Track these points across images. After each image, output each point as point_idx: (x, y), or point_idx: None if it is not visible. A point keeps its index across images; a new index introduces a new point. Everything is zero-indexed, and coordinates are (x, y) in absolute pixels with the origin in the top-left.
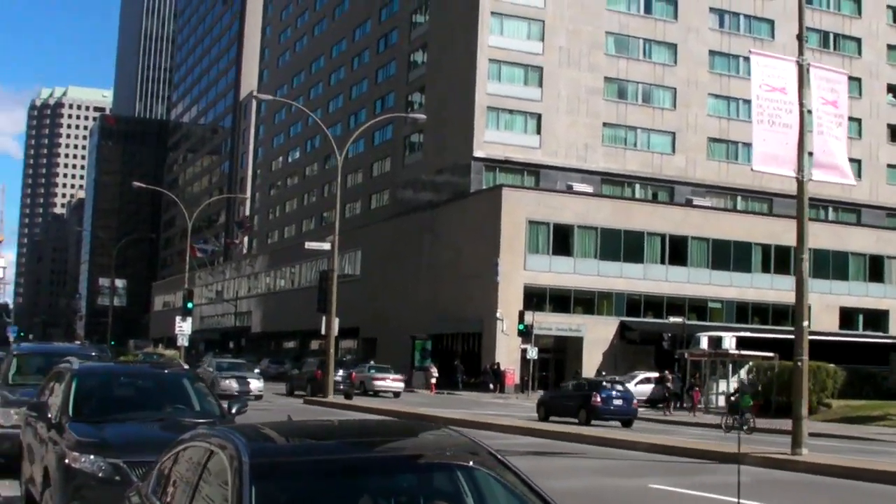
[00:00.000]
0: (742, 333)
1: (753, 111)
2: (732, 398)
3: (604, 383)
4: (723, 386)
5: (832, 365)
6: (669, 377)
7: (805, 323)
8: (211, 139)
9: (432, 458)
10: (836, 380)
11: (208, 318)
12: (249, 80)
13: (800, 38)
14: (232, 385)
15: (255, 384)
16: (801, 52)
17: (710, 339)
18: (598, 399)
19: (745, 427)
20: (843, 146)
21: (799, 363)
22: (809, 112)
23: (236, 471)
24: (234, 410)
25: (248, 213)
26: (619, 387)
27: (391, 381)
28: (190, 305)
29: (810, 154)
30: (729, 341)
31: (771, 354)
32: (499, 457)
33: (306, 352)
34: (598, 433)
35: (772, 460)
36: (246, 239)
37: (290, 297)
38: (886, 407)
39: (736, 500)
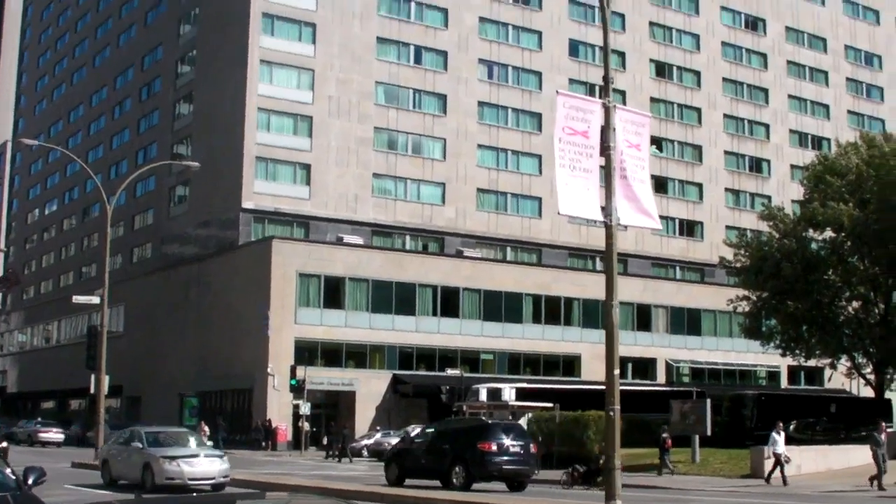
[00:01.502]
0: (521, 384)
1: (556, 155)
2: None
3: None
4: None
5: None
6: None
7: (616, 371)
8: None
9: None
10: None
11: None
12: (3, 129)
13: (605, 79)
14: None
15: None
16: (606, 94)
17: (489, 390)
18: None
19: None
20: (648, 189)
21: (611, 413)
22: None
23: None
24: (30, 481)
25: (1, 267)
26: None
27: (53, 434)
28: None
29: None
30: (508, 392)
31: (550, 405)
32: None
33: (66, 412)
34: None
35: None
36: (0, 295)
37: (49, 356)
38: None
39: None
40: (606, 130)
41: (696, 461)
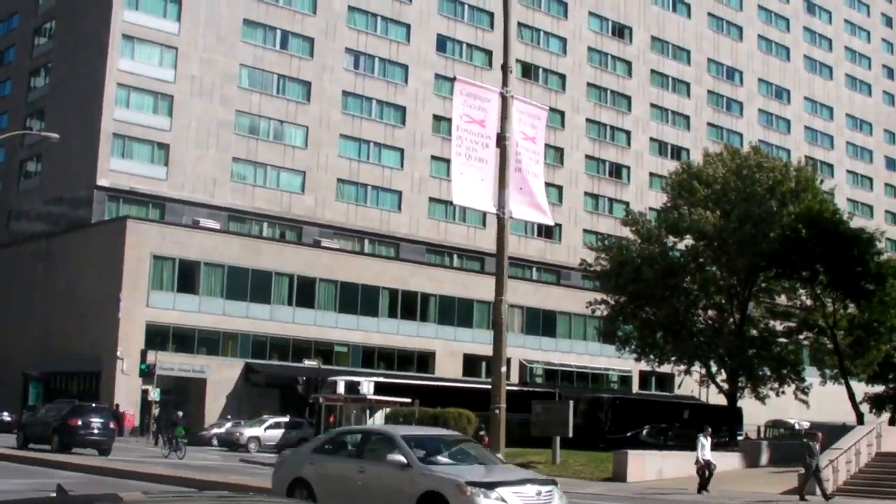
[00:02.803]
0: (379, 379)
1: (453, 143)
2: None
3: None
4: None
5: (471, 412)
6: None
7: (503, 369)
8: None
9: None
10: (473, 426)
11: None
12: None
13: (504, 68)
14: None
15: None
16: (504, 84)
17: (348, 383)
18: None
19: None
20: (541, 183)
21: (496, 411)
22: (506, 146)
23: None
24: None
25: None
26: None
27: None
28: None
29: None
30: (367, 386)
31: (408, 400)
32: None
33: None
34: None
35: None
36: None
37: None
38: (528, 454)
39: None
40: (502, 121)
41: (557, 462)
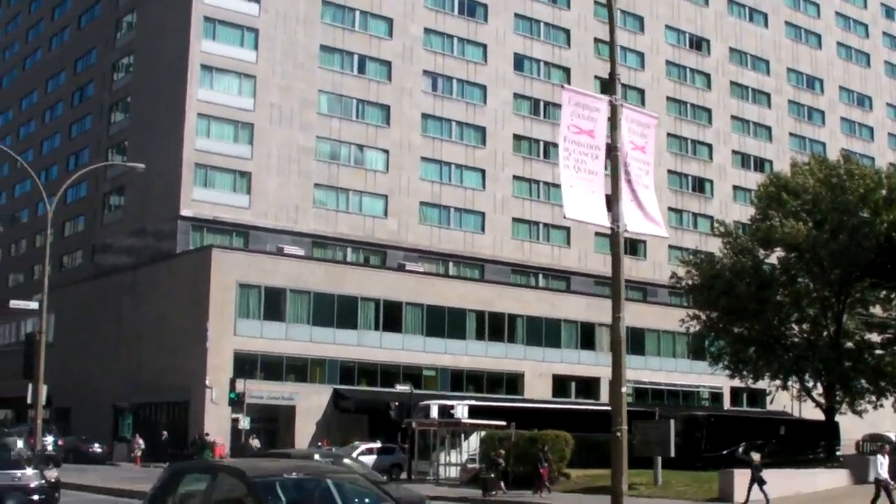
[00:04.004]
0: (472, 402)
1: (560, 155)
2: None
3: None
4: (455, 456)
5: (568, 433)
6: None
7: (623, 389)
8: None
9: None
10: (570, 449)
11: None
12: None
13: (612, 75)
14: None
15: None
16: (613, 91)
17: (441, 407)
18: None
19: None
20: (653, 195)
21: (618, 433)
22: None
23: None
24: None
25: None
26: None
27: None
28: None
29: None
30: (461, 410)
31: (503, 423)
32: None
33: None
34: None
35: None
36: None
37: None
38: (629, 475)
39: None
40: (613, 131)
41: (659, 483)
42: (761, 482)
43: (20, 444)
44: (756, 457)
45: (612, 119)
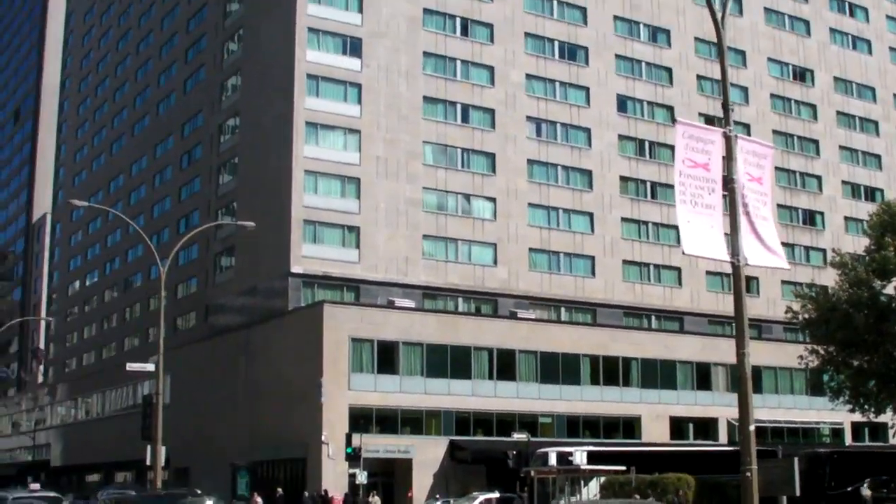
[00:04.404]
0: (591, 448)
1: (676, 190)
2: None
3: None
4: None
5: (689, 476)
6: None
7: (752, 427)
8: (1, 264)
9: None
10: (693, 492)
11: (3, 453)
12: (43, 202)
13: (724, 106)
14: None
15: None
16: (727, 122)
17: (559, 454)
18: None
19: None
20: (772, 227)
21: (748, 474)
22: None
23: None
24: None
25: (42, 340)
26: None
27: None
28: None
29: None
30: (579, 456)
31: (623, 468)
32: None
33: (111, 485)
34: None
35: None
36: (41, 367)
37: (93, 428)
38: None
39: None
40: (728, 162)
41: None
42: None
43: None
44: (866, 493)
45: (727, 150)
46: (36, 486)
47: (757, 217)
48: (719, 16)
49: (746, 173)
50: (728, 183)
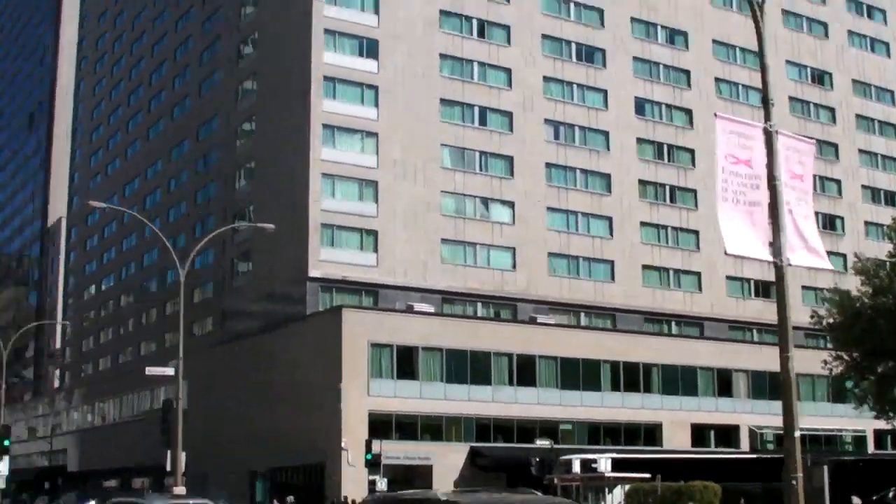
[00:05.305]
0: (615, 455)
1: (718, 187)
2: None
3: None
4: None
5: (716, 484)
6: None
7: (796, 434)
8: (16, 269)
9: None
10: (718, 499)
11: (20, 458)
12: (58, 206)
13: (765, 100)
14: None
15: None
16: (767, 118)
17: (583, 461)
18: None
19: None
20: (813, 226)
21: (794, 482)
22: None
23: None
24: None
25: (58, 344)
26: None
27: None
28: (7, 443)
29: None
30: (604, 463)
31: (647, 475)
32: None
33: (129, 491)
34: None
35: None
36: (57, 372)
37: (110, 433)
38: None
39: None
40: (770, 158)
41: None
42: None
43: None
44: (892, 502)
45: (768, 147)
46: (181, 489)
47: (799, 216)
48: (759, 13)
49: (788, 170)
50: (771, 181)
